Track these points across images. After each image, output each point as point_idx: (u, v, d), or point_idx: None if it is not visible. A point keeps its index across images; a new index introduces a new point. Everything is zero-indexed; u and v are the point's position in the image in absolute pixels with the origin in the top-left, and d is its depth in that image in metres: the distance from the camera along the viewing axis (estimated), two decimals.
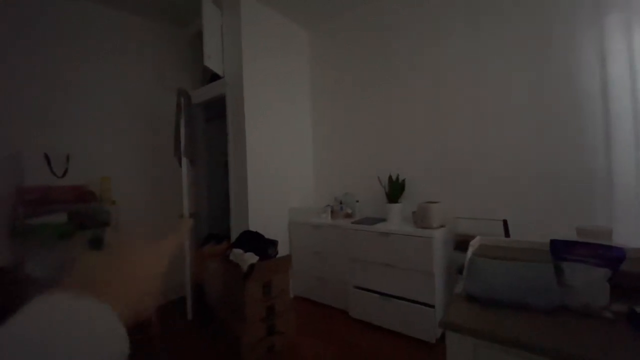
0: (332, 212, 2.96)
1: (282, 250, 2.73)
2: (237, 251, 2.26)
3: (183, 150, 2.71)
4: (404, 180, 2.69)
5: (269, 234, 2.55)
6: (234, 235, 2.81)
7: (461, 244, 2.22)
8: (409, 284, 2.26)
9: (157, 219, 3.08)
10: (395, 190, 2.69)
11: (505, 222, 2.19)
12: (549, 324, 0.76)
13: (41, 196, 2.30)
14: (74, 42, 2.66)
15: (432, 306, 2.14)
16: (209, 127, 3.52)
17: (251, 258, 2.19)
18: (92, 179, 2.56)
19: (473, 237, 1.42)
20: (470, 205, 2.45)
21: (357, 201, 3.03)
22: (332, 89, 3.37)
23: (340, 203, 3.04)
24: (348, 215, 2.94)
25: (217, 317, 2.58)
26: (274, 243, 2.44)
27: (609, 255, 0.80)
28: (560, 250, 0.90)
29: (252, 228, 2.65)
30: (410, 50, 2.77)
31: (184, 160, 2.75)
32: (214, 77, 3.04)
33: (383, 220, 2.68)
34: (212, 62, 2.76)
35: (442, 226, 2.30)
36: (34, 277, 2.27)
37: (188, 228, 0.37)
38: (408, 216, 2.62)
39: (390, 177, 2.72)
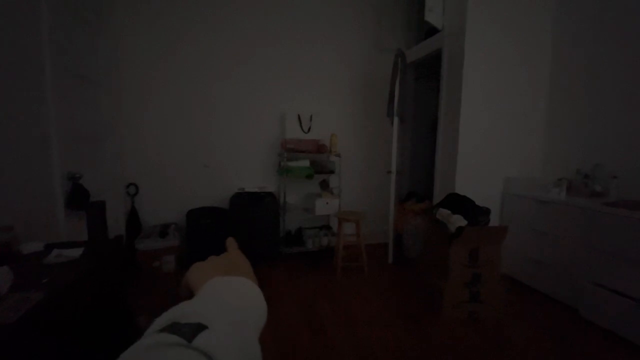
0: (569, 187, 2.33)
1: (490, 221, 2.46)
2: (445, 211, 2.23)
3: (395, 109, 2.86)
4: None
5: (476, 202, 2.35)
6: (437, 196, 2.80)
7: None
8: None
9: (368, 171, 3.53)
10: None
11: None
12: None
13: (295, 146, 3.11)
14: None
15: None
16: (417, 86, 3.50)
17: (460, 221, 2.11)
18: (325, 134, 3.20)
19: None
20: None
21: (615, 177, 2.21)
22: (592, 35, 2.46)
23: (585, 177, 2.32)
24: (596, 194, 2.22)
25: (415, 266, 2.75)
26: (485, 211, 2.23)
27: None
28: None
29: (459, 192, 2.52)
30: None
31: (396, 120, 2.91)
32: (430, 33, 2.93)
33: None
34: (433, 15, 2.64)
35: None
36: (289, 203, 3.20)
37: (235, 245, 0.45)
38: None
39: None
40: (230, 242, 0.44)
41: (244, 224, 2.84)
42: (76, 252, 1.34)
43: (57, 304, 1.05)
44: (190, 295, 0.33)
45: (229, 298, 0.31)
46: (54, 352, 1.02)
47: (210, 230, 2.78)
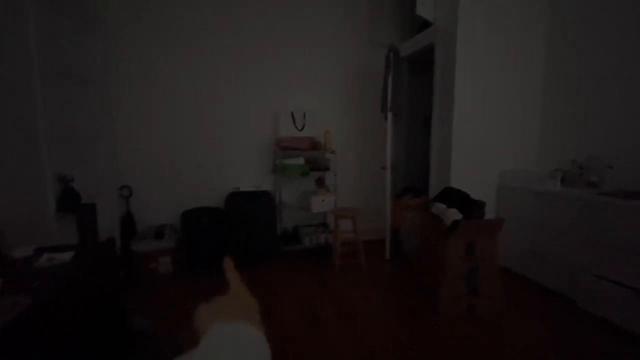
0: (563, 178, 2.33)
1: (486, 214, 2.46)
2: (440, 205, 2.23)
3: (389, 104, 2.85)
4: None
5: (472, 195, 2.34)
6: (433, 191, 2.79)
7: None
8: None
9: (363, 167, 3.53)
10: None
11: None
12: None
13: (289, 144, 3.09)
14: None
15: None
16: (411, 80, 3.49)
17: (455, 214, 2.11)
18: (319, 132, 3.18)
19: None
20: None
21: (610, 167, 2.21)
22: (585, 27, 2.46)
23: (580, 168, 2.32)
24: (592, 184, 2.22)
25: (413, 262, 2.74)
26: (480, 204, 2.23)
27: None
28: None
29: (454, 186, 2.52)
30: None
31: (389, 115, 2.89)
32: (423, 26, 2.91)
33: None
34: (425, 8, 2.62)
35: None
36: (285, 202, 3.18)
37: (232, 266, 0.43)
38: None
39: None
40: (227, 265, 0.43)
41: (240, 224, 2.82)
42: (67, 256, 1.32)
43: (47, 308, 1.04)
44: (197, 340, 0.33)
45: (231, 349, 0.31)
46: (45, 357, 1.00)
47: (206, 230, 2.76)
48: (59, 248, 1.42)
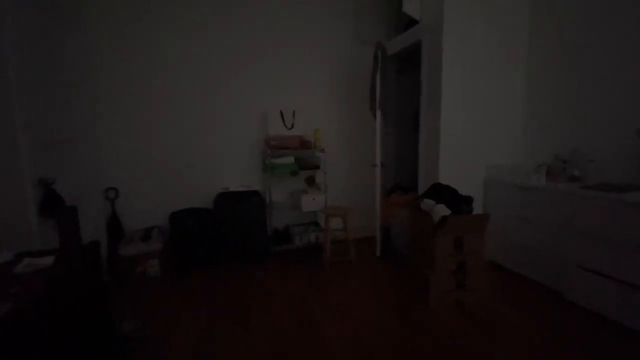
0: (548, 172, 2.38)
1: (474, 210, 2.49)
2: (429, 201, 2.25)
3: (378, 103, 2.85)
4: None
5: (460, 191, 2.37)
6: (422, 187, 2.81)
7: None
8: None
9: (353, 165, 3.54)
10: None
11: None
12: None
13: (278, 143, 3.07)
14: None
15: None
16: (399, 78, 3.50)
17: (443, 210, 2.13)
18: (308, 130, 3.18)
19: None
20: None
21: (592, 161, 2.27)
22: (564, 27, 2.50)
23: (564, 162, 2.37)
24: (574, 179, 2.27)
25: (404, 258, 2.76)
26: (468, 200, 2.26)
27: None
28: None
29: (442, 182, 2.54)
30: None
31: (378, 113, 2.90)
32: (410, 24, 2.92)
33: (636, 187, 1.90)
34: (411, 6, 2.64)
35: None
36: (275, 201, 3.17)
37: None
38: None
39: None
40: None
41: (230, 224, 2.80)
42: (48, 260, 1.29)
43: (27, 314, 1.01)
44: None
45: None
46: None
47: (195, 231, 2.73)
48: (40, 253, 1.38)
